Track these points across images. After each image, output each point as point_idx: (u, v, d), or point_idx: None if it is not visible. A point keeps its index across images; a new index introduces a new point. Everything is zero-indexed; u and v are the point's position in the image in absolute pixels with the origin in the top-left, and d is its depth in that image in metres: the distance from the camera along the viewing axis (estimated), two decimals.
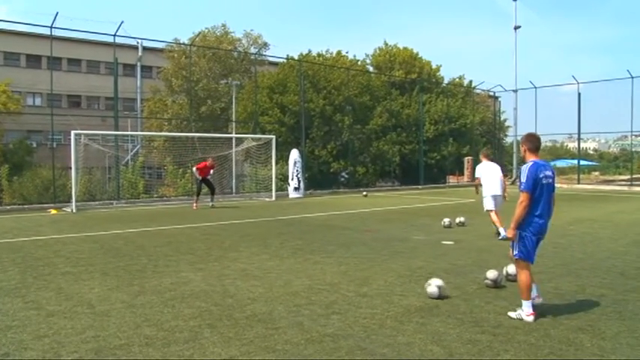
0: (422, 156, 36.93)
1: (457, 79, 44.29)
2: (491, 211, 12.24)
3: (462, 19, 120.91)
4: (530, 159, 5.97)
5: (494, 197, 12.26)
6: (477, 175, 12.77)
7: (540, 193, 5.82)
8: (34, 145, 39.84)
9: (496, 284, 7.08)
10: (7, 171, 29.76)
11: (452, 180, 38.88)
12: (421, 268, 8.42)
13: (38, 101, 45.29)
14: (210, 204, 20.50)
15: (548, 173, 5.90)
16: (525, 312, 5.74)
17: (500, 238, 11.63)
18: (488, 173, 12.42)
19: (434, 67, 42.83)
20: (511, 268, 7.24)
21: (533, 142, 6.11)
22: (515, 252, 5.94)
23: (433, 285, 6.58)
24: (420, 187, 34.51)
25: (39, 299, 6.66)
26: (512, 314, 5.82)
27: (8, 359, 4.67)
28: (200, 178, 20.29)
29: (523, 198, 5.76)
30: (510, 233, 5.94)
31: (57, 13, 22.31)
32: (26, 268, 8.66)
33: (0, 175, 30.01)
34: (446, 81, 43.24)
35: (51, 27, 22.66)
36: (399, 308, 6.14)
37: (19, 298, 6.74)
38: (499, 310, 6.02)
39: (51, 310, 6.17)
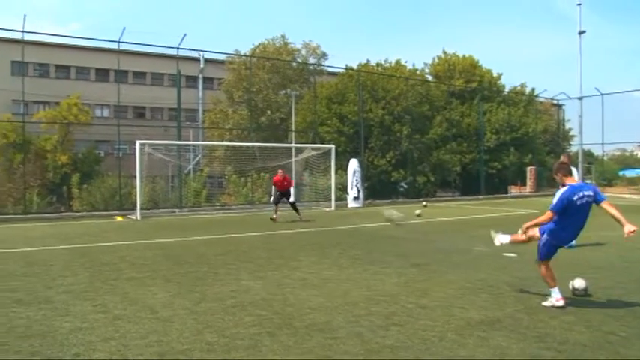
0: (482, 166, 36.29)
1: (518, 87, 43.37)
2: None
3: (524, 25, 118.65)
4: (567, 183, 6.64)
5: None
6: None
7: (572, 213, 6.46)
8: (102, 155, 41.19)
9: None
10: (77, 179, 30.91)
11: (513, 190, 37.98)
12: (482, 280, 8.26)
13: (106, 112, 46.82)
14: (298, 217, 19.00)
15: (586, 193, 6.47)
16: (555, 298, 6.54)
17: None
18: None
19: (494, 75, 42.08)
20: (577, 282, 7.05)
21: (565, 168, 6.92)
22: (539, 256, 6.91)
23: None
24: (480, 197, 33.89)
25: (106, 303, 6.88)
26: (545, 303, 6.58)
27: (78, 359, 4.84)
28: (278, 192, 19.17)
29: (549, 216, 6.51)
30: (522, 235, 7.13)
31: (124, 28, 23.21)
32: (94, 273, 8.97)
33: (71, 184, 31.19)
34: (507, 89, 42.41)
35: (118, 42, 23.55)
36: (459, 321, 6.04)
37: (88, 301, 6.98)
38: (565, 326, 5.81)
39: (117, 313, 6.36)
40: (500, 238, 7.70)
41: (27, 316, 6.22)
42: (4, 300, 7.01)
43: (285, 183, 19.06)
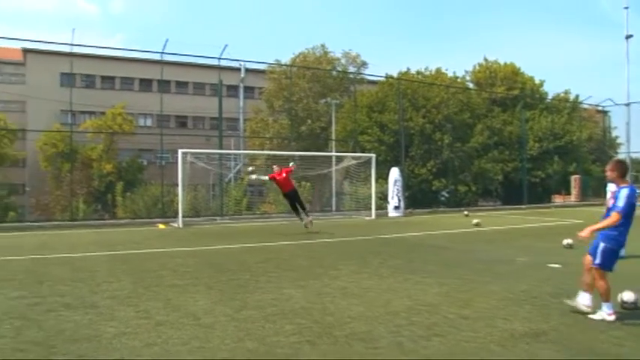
0: (525, 174, 35.69)
1: (562, 94, 42.56)
2: None
3: (567, 31, 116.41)
4: (625, 184, 6.44)
5: None
6: (609, 189, 11.83)
7: (629, 215, 6.31)
8: (145, 163, 42.02)
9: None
10: (121, 187, 31.57)
11: (557, 200, 37.22)
12: (525, 291, 8.10)
13: (149, 122, 47.74)
14: (303, 222, 17.83)
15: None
16: (607, 312, 6.34)
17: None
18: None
19: (537, 82, 41.43)
20: (627, 295, 6.85)
21: (624, 168, 6.68)
22: (598, 261, 6.43)
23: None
24: (523, 206, 33.31)
25: (149, 309, 7.00)
26: (594, 317, 6.38)
27: None
28: (283, 193, 18.01)
29: (617, 218, 6.23)
30: (586, 234, 6.32)
31: (167, 39, 23.65)
32: (137, 279, 9.13)
33: (115, 192, 31.87)
34: (550, 96, 41.66)
35: (162, 52, 24.03)
36: (502, 333, 5.94)
37: (131, 307, 7.12)
38: (614, 341, 5.63)
39: (160, 319, 6.47)
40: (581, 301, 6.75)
41: (74, 321, 6.37)
42: (53, 305, 7.20)
43: (285, 175, 17.52)
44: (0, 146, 40.12)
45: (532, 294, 7.90)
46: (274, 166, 17.87)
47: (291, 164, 18.65)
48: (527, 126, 36.98)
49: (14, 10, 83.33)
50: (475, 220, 20.60)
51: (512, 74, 40.32)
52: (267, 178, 17.95)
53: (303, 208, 18.11)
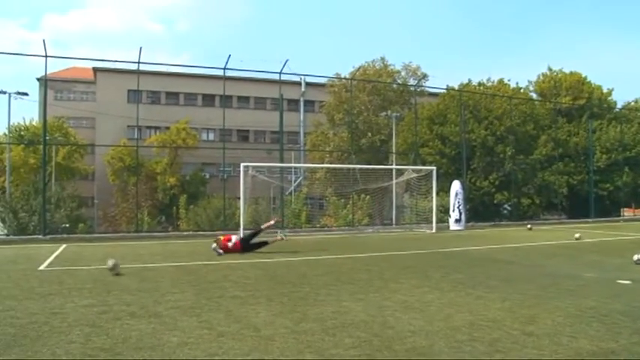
0: (592, 187, 34.51)
1: (632, 103, 41.06)
2: None
3: (635, 36, 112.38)
4: None
5: None
6: None
7: None
8: (208, 177, 42.91)
9: None
10: (184, 200, 32.31)
11: (627, 213, 35.83)
12: (593, 308, 7.82)
13: (212, 136, 48.82)
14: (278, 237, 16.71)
15: None
16: None
17: None
18: None
19: (605, 91, 40.12)
20: None
21: None
22: None
23: None
24: (590, 220, 32.20)
25: (210, 320, 7.10)
26: None
27: None
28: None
29: None
30: None
31: (229, 55, 24.12)
32: (200, 290, 9.29)
33: (179, 204, 32.66)
34: (619, 105, 40.26)
35: (224, 68, 24.53)
36: (568, 351, 5.75)
37: (194, 317, 7.25)
38: None
39: (221, 330, 6.55)
40: None
41: (139, 329, 6.54)
42: (119, 313, 7.42)
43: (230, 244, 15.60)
44: (71, 160, 41.90)
45: (600, 311, 7.61)
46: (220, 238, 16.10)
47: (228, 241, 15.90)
48: (595, 137, 35.83)
49: (86, 32, 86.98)
50: (577, 235, 20.22)
51: (578, 83, 39.23)
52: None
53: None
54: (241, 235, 16.38)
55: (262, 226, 16.75)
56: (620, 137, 36.01)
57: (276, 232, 17.43)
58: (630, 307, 7.93)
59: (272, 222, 16.93)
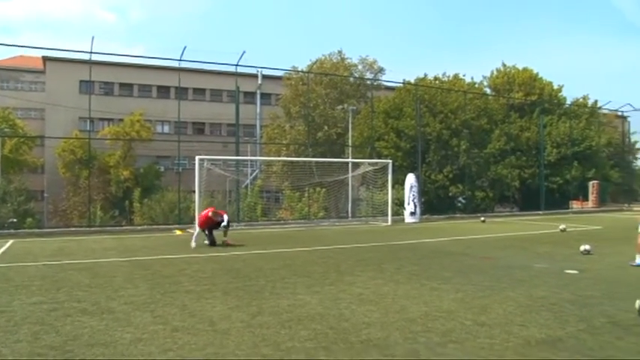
0: (543, 180, 35.37)
1: (581, 100, 42.16)
2: None
3: (586, 35, 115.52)
4: None
5: None
6: None
7: None
8: (162, 170, 42.30)
9: None
10: (138, 194, 31.79)
11: (575, 205, 36.84)
12: (543, 297, 8.03)
13: (167, 129, 48.05)
14: (223, 240, 15.83)
15: None
16: None
17: (634, 264, 11.00)
18: None
19: (555, 87, 41.06)
20: None
21: None
22: None
23: None
24: (540, 212, 33.01)
25: (165, 314, 7.02)
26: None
27: None
28: (201, 229, 15.80)
29: None
30: None
31: (185, 47, 23.77)
32: (154, 285, 9.17)
33: (132, 198, 32.11)
34: (568, 101, 41.29)
35: (179, 60, 24.18)
36: (519, 339, 5.88)
37: (148, 312, 7.15)
38: (632, 348, 5.58)
39: (176, 325, 6.48)
40: None
41: (90, 326, 6.41)
42: (70, 310, 7.26)
43: (215, 223, 15.84)
44: (19, 153, 40.66)
45: (550, 300, 7.83)
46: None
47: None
48: (545, 132, 36.68)
49: (35, 19, 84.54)
50: (562, 226, 20.68)
51: (530, 80, 40.04)
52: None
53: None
54: (224, 223, 15.87)
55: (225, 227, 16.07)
56: (569, 132, 36.98)
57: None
58: (577, 295, 8.18)
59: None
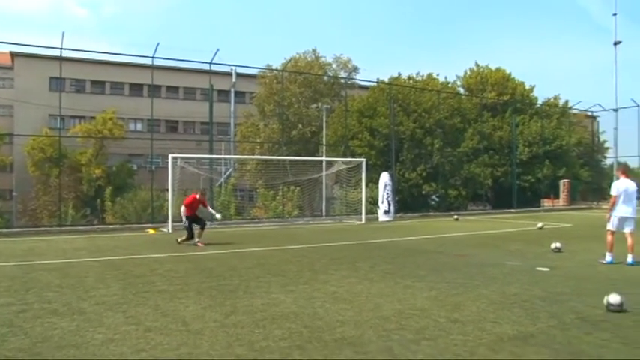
0: (515, 179, 35.80)
1: (552, 99, 42.73)
2: (611, 232, 11.63)
3: (557, 36, 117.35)
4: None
5: (621, 219, 11.60)
6: (612, 194, 11.77)
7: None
8: (135, 168, 41.84)
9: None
10: (110, 192, 31.39)
11: (547, 204, 37.38)
12: (515, 294, 8.14)
13: (139, 127, 47.60)
14: (195, 241, 15.49)
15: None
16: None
17: (603, 261, 11.19)
18: (624, 192, 11.57)
19: (527, 87, 41.54)
20: (612, 298, 6.93)
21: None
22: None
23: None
24: (513, 211, 33.41)
25: (138, 315, 6.96)
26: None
27: None
28: (186, 217, 15.66)
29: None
30: None
31: (158, 44, 23.54)
32: (126, 285, 9.07)
33: (104, 196, 31.70)
34: (540, 101, 41.84)
35: (152, 57, 23.92)
36: (491, 336, 5.95)
37: (120, 312, 7.07)
38: (600, 342, 5.70)
39: (149, 325, 6.43)
40: None
41: (61, 327, 6.32)
42: (40, 311, 7.14)
43: (201, 204, 16.25)
44: None
45: (522, 297, 7.94)
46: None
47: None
48: (518, 131, 37.11)
49: (2, 13, 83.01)
50: (539, 224, 20.98)
51: (503, 79, 40.41)
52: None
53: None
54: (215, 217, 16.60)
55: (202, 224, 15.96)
56: (540, 132, 37.46)
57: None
58: (548, 292, 8.31)
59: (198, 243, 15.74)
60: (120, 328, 6.30)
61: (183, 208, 15.81)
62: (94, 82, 47.89)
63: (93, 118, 40.76)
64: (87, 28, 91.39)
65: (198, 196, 15.95)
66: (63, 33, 22.21)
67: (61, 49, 22.42)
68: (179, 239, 15.76)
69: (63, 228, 22.05)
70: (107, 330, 6.20)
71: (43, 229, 21.99)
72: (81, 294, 8.32)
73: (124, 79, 47.80)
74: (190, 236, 15.57)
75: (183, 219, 15.73)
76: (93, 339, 5.83)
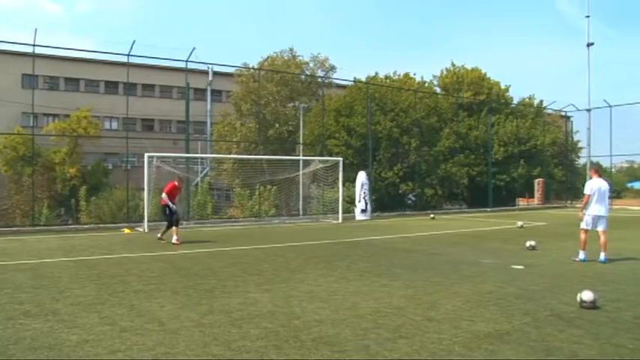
0: (490, 178, 36.17)
1: (527, 99, 43.28)
2: (584, 230, 11.80)
3: (532, 37, 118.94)
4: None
5: (594, 218, 11.77)
6: (586, 192, 11.96)
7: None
8: (110, 167, 41.37)
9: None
10: (85, 192, 30.99)
11: (521, 202, 37.85)
12: (490, 292, 8.22)
13: (115, 125, 47.09)
14: (173, 239, 15.39)
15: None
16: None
17: (577, 259, 11.35)
18: (597, 192, 11.77)
19: (503, 87, 42.02)
20: (585, 295, 7.04)
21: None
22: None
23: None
24: (488, 209, 33.75)
25: (113, 315, 6.88)
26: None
27: None
28: (168, 205, 15.80)
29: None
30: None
31: (134, 41, 23.28)
32: (101, 285, 8.97)
33: (79, 196, 31.28)
34: (515, 101, 42.30)
35: (128, 55, 23.66)
36: (467, 334, 6.00)
37: (95, 313, 6.99)
38: (573, 339, 5.78)
39: (124, 325, 6.36)
40: None
41: (34, 328, 6.22)
42: (12, 312, 7.03)
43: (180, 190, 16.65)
44: None
45: (497, 295, 8.02)
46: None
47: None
48: (493, 130, 37.49)
49: None
50: (519, 223, 21.27)
51: (479, 79, 40.82)
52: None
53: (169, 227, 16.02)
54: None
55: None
56: (516, 131, 37.88)
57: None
58: (523, 290, 8.40)
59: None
60: (95, 328, 6.23)
61: (164, 195, 15.95)
62: (68, 80, 47.27)
63: (67, 116, 40.20)
64: (61, 25, 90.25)
65: (176, 183, 16.22)
66: (36, 29, 21.98)
67: (34, 45, 22.09)
68: (159, 235, 15.96)
69: (36, 228, 21.75)
70: (82, 331, 6.12)
71: (15, 228, 21.67)
72: (55, 295, 8.20)
73: (99, 76, 47.24)
74: (170, 225, 15.77)
75: (169, 204, 15.83)
76: (67, 340, 5.76)
